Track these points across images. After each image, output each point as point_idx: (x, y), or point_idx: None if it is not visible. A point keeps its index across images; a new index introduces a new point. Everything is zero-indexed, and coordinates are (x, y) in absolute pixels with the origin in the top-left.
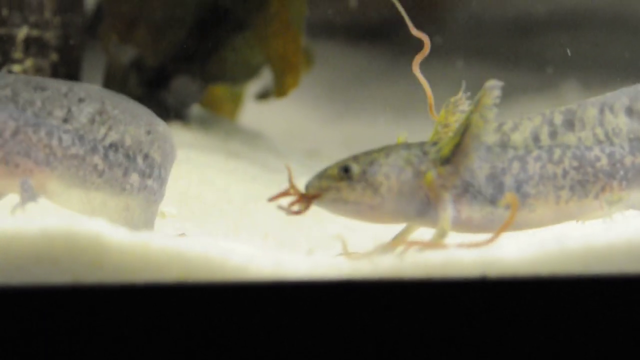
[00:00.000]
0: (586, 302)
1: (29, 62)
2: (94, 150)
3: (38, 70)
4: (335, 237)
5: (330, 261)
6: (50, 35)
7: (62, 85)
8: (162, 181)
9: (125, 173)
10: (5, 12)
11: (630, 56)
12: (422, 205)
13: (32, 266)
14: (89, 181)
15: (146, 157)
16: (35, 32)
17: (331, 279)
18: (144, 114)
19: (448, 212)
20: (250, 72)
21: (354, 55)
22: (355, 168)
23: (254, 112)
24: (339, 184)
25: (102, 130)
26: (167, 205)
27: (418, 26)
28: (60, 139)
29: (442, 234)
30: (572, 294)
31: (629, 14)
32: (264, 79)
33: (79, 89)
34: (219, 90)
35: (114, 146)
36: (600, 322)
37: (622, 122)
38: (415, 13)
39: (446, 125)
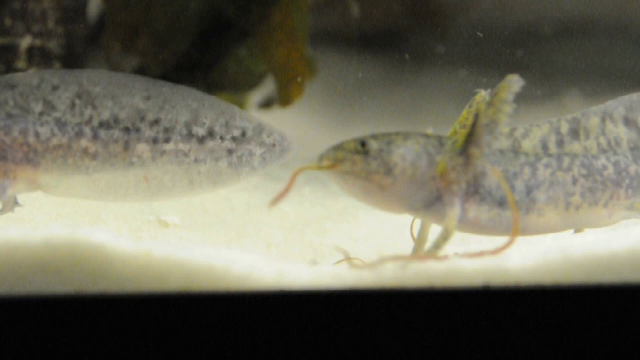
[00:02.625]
0: (589, 311)
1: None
2: (79, 134)
3: None
4: (338, 248)
5: (333, 271)
6: (53, 45)
7: (33, 78)
8: (201, 138)
9: (127, 147)
10: (8, 21)
11: (633, 65)
12: (430, 196)
13: (36, 276)
14: (83, 166)
15: (156, 122)
16: (38, 42)
17: (334, 288)
18: (137, 81)
19: (455, 211)
20: (254, 82)
21: (357, 64)
22: (374, 144)
23: None
24: (355, 157)
25: (88, 112)
26: (170, 214)
27: (422, 35)
28: (37, 134)
29: (446, 236)
30: (575, 303)
31: (631, 23)
32: (267, 88)
33: (52, 76)
34: (222, 99)
35: (105, 124)
36: (603, 331)
37: (621, 131)
38: (418, 22)
39: (464, 126)
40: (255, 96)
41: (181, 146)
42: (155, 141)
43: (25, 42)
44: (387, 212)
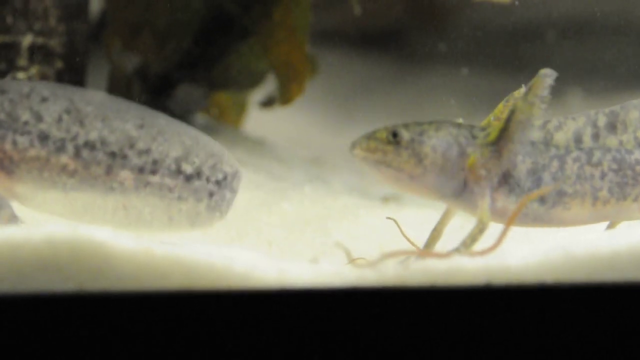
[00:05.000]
0: (591, 310)
1: (33, 70)
2: (60, 150)
3: (43, 78)
4: (338, 245)
5: (335, 269)
6: (55, 43)
7: (23, 86)
8: (189, 176)
9: (109, 171)
10: (9, 19)
11: (634, 63)
12: (459, 186)
13: (37, 273)
14: (60, 182)
15: (145, 152)
16: (40, 40)
17: (335, 286)
18: (132, 108)
19: (486, 202)
20: (255, 80)
21: (359, 62)
22: (405, 134)
23: (258, 120)
24: (386, 147)
25: (74, 129)
26: None
27: (423, 33)
28: (14, 142)
29: (482, 227)
30: (577, 302)
31: (632, 20)
32: (268, 86)
33: (43, 88)
34: (223, 97)
35: (89, 144)
36: (604, 329)
37: None
38: (419, 20)
39: (498, 119)
40: (256, 94)
41: (167, 181)
42: (141, 170)
43: (27, 40)
44: (418, 196)
